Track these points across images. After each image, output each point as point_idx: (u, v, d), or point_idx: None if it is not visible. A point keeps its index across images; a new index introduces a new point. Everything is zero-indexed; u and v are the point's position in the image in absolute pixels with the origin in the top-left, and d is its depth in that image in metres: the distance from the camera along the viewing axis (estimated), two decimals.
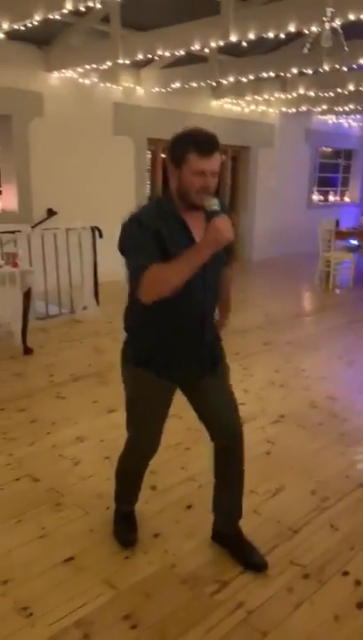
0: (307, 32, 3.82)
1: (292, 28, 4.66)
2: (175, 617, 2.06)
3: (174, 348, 2.14)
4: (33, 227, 6.46)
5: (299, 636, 1.99)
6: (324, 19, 3.53)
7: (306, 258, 9.66)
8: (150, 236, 1.93)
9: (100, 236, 6.28)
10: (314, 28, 3.72)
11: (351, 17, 4.30)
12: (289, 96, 8.73)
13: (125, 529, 2.50)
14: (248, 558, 2.33)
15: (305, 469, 3.12)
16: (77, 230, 6.13)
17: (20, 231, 5.61)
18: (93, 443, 3.41)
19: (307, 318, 6.56)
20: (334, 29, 3.52)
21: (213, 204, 1.91)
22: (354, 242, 9.99)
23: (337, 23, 3.54)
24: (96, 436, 3.49)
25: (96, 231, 6.26)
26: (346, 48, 3.57)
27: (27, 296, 4.91)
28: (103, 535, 2.52)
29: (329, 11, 3.51)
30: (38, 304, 5.97)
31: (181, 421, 3.04)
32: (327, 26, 3.51)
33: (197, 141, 1.90)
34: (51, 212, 7.17)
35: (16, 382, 4.44)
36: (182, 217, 2.01)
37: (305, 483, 2.98)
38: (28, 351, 4.99)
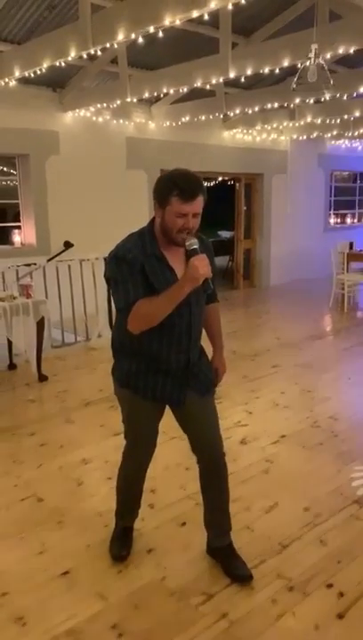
0: (301, 67, 4.01)
1: (286, 64, 4.90)
2: (161, 626, 2.16)
3: (157, 373, 2.27)
4: (50, 259, 6.74)
5: None
6: (309, 55, 3.72)
7: (323, 281, 9.73)
8: (137, 271, 2.08)
9: None
10: (306, 63, 3.91)
11: (340, 51, 4.53)
12: (298, 124, 8.95)
13: (120, 544, 2.61)
14: (234, 570, 2.42)
15: (301, 487, 3.19)
16: (91, 261, 6.38)
17: (35, 264, 5.88)
18: (98, 464, 3.54)
19: (318, 341, 6.62)
20: (319, 65, 3.69)
21: (193, 243, 2.07)
22: None
23: (322, 60, 3.72)
24: (101, 457, 3.63)
25: None
26: (332, 82, 3.74)
27: (40, 325, 5.13)
28: (100, 551, 2.64)
29: (314, 47, 3.70)
30: (55, 332, 6.21)
31: (182, 442, 3.12)
32: (313, 61, 3.69)
33: (180, 187, 2.01)
34: (68, 245, 7.44)
35: (29, 408, 4.63)
36: (163, 253, 2.15)
37: (299, 500, 3.05)
38: (42, 378, 5.19)
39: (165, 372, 2.27)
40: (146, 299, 2.07)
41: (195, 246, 2.06)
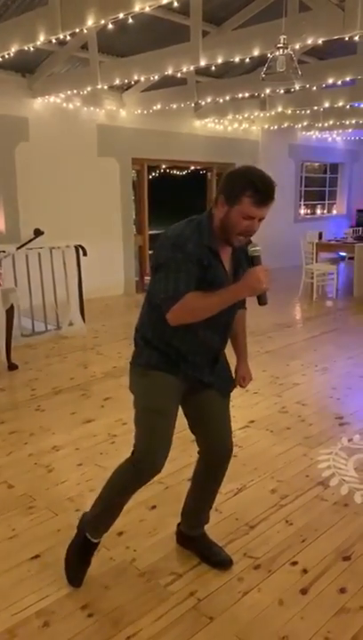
0: (270, 56, 4.05)
1: (256, 53, 4.93)
2: (130, 606, 2.21)
3: (186, 362, 2.16)
4: (19, 247, 6.67)
5: (244, 619, 2.14)
6: (278, 45, 3.76)
7: (293, 271, 9.84)
8: (192, 263, 1.95)
9: (85, 254, 6.49)
10: (275, 53, 3.95)
11: (309, 42, 4.58)
12: (269, 114, 9.01)
13: (81, 564, 2.33)
14: (215, 556, 2.44)
15: (268, 470, 3.27)
16: (61, 249, 6.34)
17: (4, 251, 5.82)
18: (68, 451, 3.56)
19: (287, 329, 6.73)
20: (288, 55, 3.73)
21: (257, 250, 2.00)
22: (343, 253, 10.22)
23: (290, 50, 3.77)
24: (71, 445, 3.65)
25: (80, 249, 6.47)
26: (299, 72, 3.79)
27: (9, 313, 5.09)
28: (70, 534, 2.63)
29: (282, 38, 3.74)
30: (25, 321, 6.17)
31: None
32: (282, 51, 3.73)
33: (257, 188, 1.89)
34: (38, 232, 7.38)
35: None
36: (218, 249, 2.04)
37: (267, 482, 3.14)
38: (12, 367, 5.17)
39: (192, 363, 2.17)
40: (198, 293, 1.94)
41: (259, 254, 1.99)
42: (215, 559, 2.45)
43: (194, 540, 2.52)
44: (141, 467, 2.16)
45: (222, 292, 1.96)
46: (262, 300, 1.99)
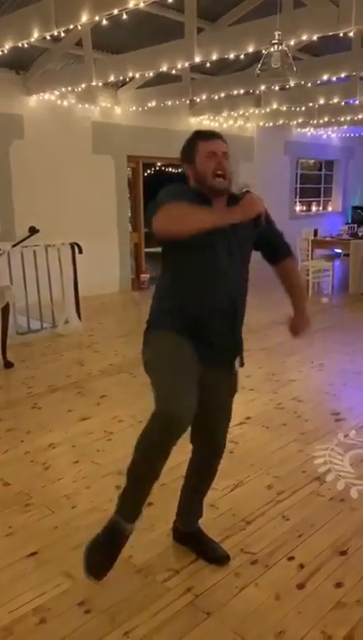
0: (265, 52, 4.05)
1: (251, 49, 4.93)
2: (127, 602, 2.21)
3: (207, 328, 2.11)
4: (15, 245, 6.66)
5: (241, 614, 2.14)
6: (273, 41, 3.75)
7: None
8: (182, 197, 2.04)
9: (80, 251, 6.48)
10: (270, 49, 3.95)
11: (304, 38, 4.58)
12: (264, 111, 9.01)
13: (106, 555, 2.05)
14: (212, 552, 2.44)
15: (264, 466, 3.28)
16: (57, 247, 6.33)
17: None
18: (65, 449, 3.56)
19: (282, 326, 6.68)
20: (283, 51, 3.73)
21: (245, 186, 2.06)
22: (338, 250, 10.23)
23: (285, 47, 3.76)
24: (68, 442, 3.64)
25: (76, 247, 6.46)
26: (294, 68, 3.79)
27: (5, 311, 5.08)
28: (67, 531, 2.67)
29: (277, 34, 3.73)
30: (20, 319, 6.15)
31: None
32: (276, 48, 3.72)
33: (199, 132, 2.15)
34: (33, 230, 7.36)
35: None
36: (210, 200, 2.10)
37: (263, 478, 3.14)
38: (8, 365, 5.16)
39: (212, 328, 2.11)
40: (191, 204, 1.99)
41: (247, 189, 2.04)
42: (212, 555, 2.45)
43: (191, 537, 2.53)
44: (165, 413, 1.88)
45: (214, 209, 2.04)
46: (258, 224, 2.05)
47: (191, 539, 2.52)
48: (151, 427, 1.92)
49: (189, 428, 2.18)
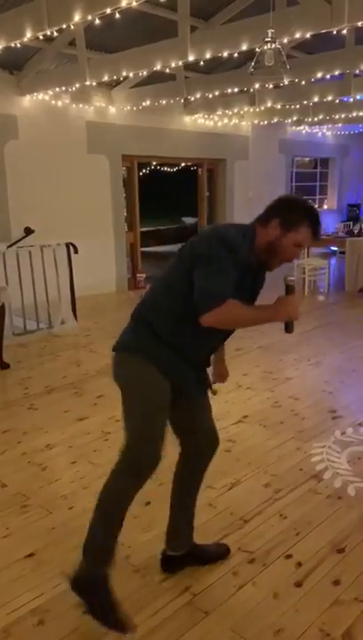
0: (259, 50, 4.05)
1: (244, 48, 4.92)
2: (125, 602, 2.19)
3: (182, 360, 2.10)
4: (10, 245, 6.64)
5: (239, 612, 2.14)
6: (266, 39, 3.75)
7: (285, 266, 9.86)
8: (237, 270, 1.90)
9: (76, 251, 6.47)
10: (263, 47, 3.95)
11: (297, 35, 4.58)
12: (259, 109, 9.01)
13: (107, 602, 2.01)
14: (213, 553, 2.43)
15: (262, 464, 3.28)
16: (52, 247, 6.32)
17: None
18: (61, 449, 3.55)
19: (279, 324, 6.72)
20: (276, 49, 3.73)
21: (293, 281, 2.04)
22: (334, 248, 10.24)
23: (278, 45, 3.76)
24: (65, 443, 3.64)
25: (71, 247, 6.45)
26: (288, 66, 3.79)
27: (1, 312, 5.07)
28: (64, 532, 2.66)
29: (270, 32, 3.73)
30: (16, 320, 6.14)
31: None
32: (270, 46, 3.72)
33: (315, 222, 1.99)
34: (28, 231, 7.36)
35: None
36: (255, 261, 2.02)
37: (261, 477, 3.14)
38: (4, 366, 5.14)
39: (188, 362, 2.12)
40: (238, 302, 1.88)
41: (294, 284, 2.04)
42: (215, 555, 2.42)
43: (188, 556, 2.39)
44: (140, 460, 2.02)
45: (264, 309, 1.95)
46: (289, 328, 2.05)
47: (190, 556, 2.38)
48: (123, 469, 2.03)
49: (179, 437, 2.28)
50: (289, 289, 2.01)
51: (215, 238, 1.94)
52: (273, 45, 3.69)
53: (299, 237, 1.98)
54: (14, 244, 6.91)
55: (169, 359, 2.06)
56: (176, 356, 2.07)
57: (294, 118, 9.65)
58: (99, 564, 2.05)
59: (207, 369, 2.29)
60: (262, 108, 8.62)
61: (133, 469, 2.04)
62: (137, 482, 2.04)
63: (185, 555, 2.39)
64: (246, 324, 2.05)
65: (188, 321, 1.95)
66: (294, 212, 1.99)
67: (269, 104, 8.36)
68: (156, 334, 2.04)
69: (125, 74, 6.21)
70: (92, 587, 2.03)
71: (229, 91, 7.24)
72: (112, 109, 8.30)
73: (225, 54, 5.21)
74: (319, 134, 12.26)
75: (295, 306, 1.97)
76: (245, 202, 10.68)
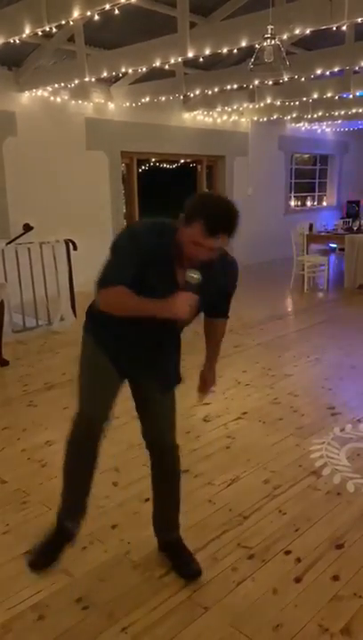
0: (258, 47, 4.04)
1: (244, 44, 4.91)
2: (125, 598, 2.21)
3: (132, 349, 2.13)
4: (9, 242, 6.63)
5: (238, 608, 2.15)
6: (266, 36, 3.74)
7: (284, 263, 9.86)
8: (138, 259, 1.92)
9: (75, 248, 6.47)
10: (263, 44, 3.94)
11: (297, 32, 4.57)
12: (258, 106, 9.00)
13: (49, 546, 2.22)
14: (183, 567, 2.34)
15: (261, 461, 3.28)
16: (51, 244, 6.31)
17: None
18: (61, 446, 3.46)
19: (278, 321, 6.74)
20: (276, 46, 3.72)
21: (191, 277, 1.89)
22: (333, 245, 10.23)
23: (278, 41, 3.75)
24: (64, 439, 3.60)
25: (70, 244, 6.44)
26: (288, 63, 3.78)
27: (0, 309, 5.06)
28: None
29: (270, 28, 3.72)
30: (16, 317, 6.14)
31: None
32: (269, 42, 3.71)
33: (208, 218, 1.82)
34: (27, 228, 7.33)
35: None
36: (173, 256, 1.96)
37: (260, 473, 3.15)
38: (3, 363, 5.14)
39: (127, 347, 2.12)
40: (126, 290, 1.90)
41: (191, 281, 1.90)
42: (185, 571, 2.32)
43: (166, 546, 2.43)
44: (80, 419, 2.19)
45: (146, 301, 1.90)
46: (180, 326, 2.03)
47: (167, 548, 2.43)
48: (71, 435, 2.24)
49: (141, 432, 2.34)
50: (183, 286, 1.90)
51: (126, 232, 2.06)
52: (273, 42, 3.68)
53: (192, 233, 1.84)
54: (13, 240, 6.89)
55: (107, 339, 2.13)
56: (119, 339, 2.12)
57: (294, 115, 9.62)
58: (65, 514, 2.26)
59: (164, 367, 2.21)
60: (262, 104, 8.62)
61: (75, 425, 2.23)
62: (80, 438, 2.23)
63: (165, 543, 2.44)
64: (131, 311, 1.94)
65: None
66: (192, 207, 1.87)
67: (268, 100, 8.34)
68: (99, 318, 2.12)
69: (124, 70, 6.20)
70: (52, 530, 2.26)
71: (229, 87, 7.23)
72: (111, 106, 8.28)
73: (225, 51, 5.19)
74: (319, 131, 12.24)
75: (179, 306, 1.86)
76: (244, 198, 10.66)
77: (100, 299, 2.00)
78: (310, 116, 9.70)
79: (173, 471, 2.37)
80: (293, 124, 11.34)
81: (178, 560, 2.38)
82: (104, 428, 2.20)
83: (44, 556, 2.21)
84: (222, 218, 1.84)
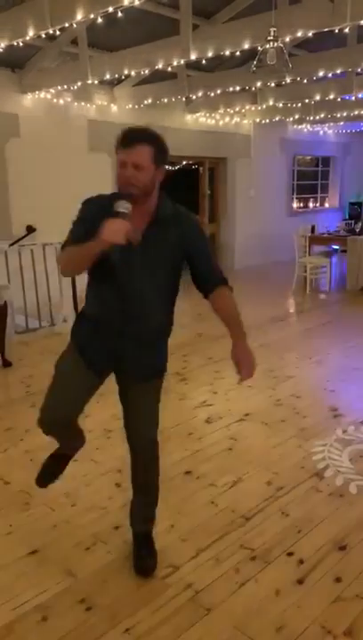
0: (261, 49, 4.05)
1: (246, 46, 4.92)
2: (128, 599, 2.22)
3: (103, 337, 2.17)
4: (12, 244, 6.65)
5: (241, 609, 2.15)
6: (268, 38, 3.75)
7: (287, 265, 9.86)
8: (86, 218, 2.05)
9: None
10: (265, 46, 3.95)
11: (299, 34, 4.58)
12: (260, 108, 9.01)
13: (53, 465, 2.57)
14: (140, 562, 2.36)
15: (264, 462, 3.29)
16: (54, 245, 6.32)
17: None
18: None
19: (280, 322, 6.75)
20: (278, 48, 3.73)
21: (119, 206, 1.91)
22: (336, 246, 10.23)
23: (280, 43, 3.76)
24: None
25: None
26: (290, 65, 3.79)
27: (3, 310, 5.08)
28: (67, 530, 2.68)
29: (272, 30, 3.73)
30: (18, 318, 6.15)
31: None
32: (272, 44, 3.72)
33: (120, 135, 1.98)
34: (30, 229, 7.36)
35: None
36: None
37: (262, 474, 3.15)
38: (6, 364, 5.16)
39: (107, 336, 2.16)
40: (73, 246, 2.00)
41: (120, 209, 1.90)
42: (139, 565, 2.36)
43: (134, 537, 2.46)
44: (40, 416, 2.37)
45: (86, 243, 1.93)
46: (112, 252, 1.97)
47: (135, 538, 2.45)
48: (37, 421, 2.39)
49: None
50: (118, 215, 1.90)
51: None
52: (275, 44, 3.69)
53: (117, 158, 2.00)
54: (16, 242, 6.92)
55: (84, 335, 2.25)
56: (91, 330, 2.22)
57: (296, 117, 9.63)
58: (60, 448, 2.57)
59: (142, 357, 2.22)
60: (264, 106, 8.63)
61: (40, 418, 2.39)
62: (45, 428, 2.42)
63: (134, 533, 2.46)
64: (80, 260, 2.00)
65: (91, 285, 2.18)
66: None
67: (270, 102, 8.35)
68: (80, 315, 2.30)
69: (126, 72, 6.22)
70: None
71: (231, 89, 7.24)
72: (114, 108, 8.29)
73: (227, 53, 5.20)
74: (321, 133, 12.25)
75: (108, 231, 1.85)
76: (246, 200, 10.69)
77: (60, 267, 2.12)
78: (312, 118, 9.70)
79: (149, 466, 2.37)
80: (295, 126, 11.35)
81: (138, 552, 2.40)
82: (74, 419, 2.41)
83: (49, 474, 2.53)
84: (131, 131, 2.00)
